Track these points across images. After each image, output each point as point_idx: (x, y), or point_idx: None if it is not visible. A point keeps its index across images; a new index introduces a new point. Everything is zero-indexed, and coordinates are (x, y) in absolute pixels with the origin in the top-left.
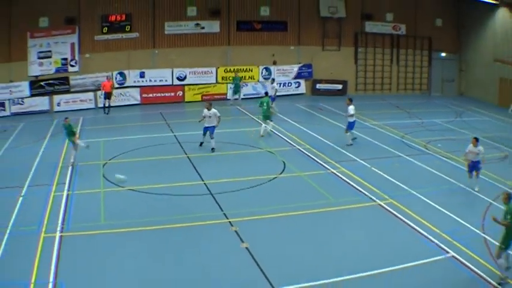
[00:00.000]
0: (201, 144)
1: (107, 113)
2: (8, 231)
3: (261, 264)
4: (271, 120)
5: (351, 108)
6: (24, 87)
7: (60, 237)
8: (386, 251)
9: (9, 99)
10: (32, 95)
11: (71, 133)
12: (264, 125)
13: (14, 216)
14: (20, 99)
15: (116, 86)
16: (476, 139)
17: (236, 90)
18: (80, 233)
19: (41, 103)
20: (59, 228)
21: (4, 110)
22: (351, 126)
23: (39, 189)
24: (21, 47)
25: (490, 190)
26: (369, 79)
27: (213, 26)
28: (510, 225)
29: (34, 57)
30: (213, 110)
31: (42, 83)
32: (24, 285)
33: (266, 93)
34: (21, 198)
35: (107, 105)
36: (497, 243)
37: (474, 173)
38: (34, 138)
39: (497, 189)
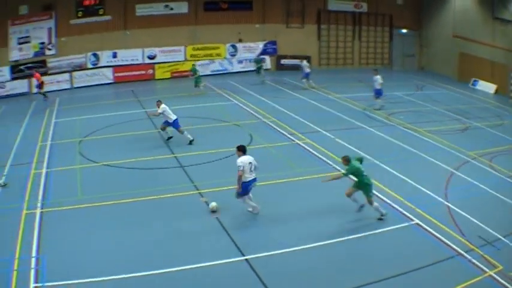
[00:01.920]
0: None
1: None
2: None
3: (231, 233)
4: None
5: (379, 78)
6: (5, 72)
7: (41, 213)
8: (350, 218)
9: None
10: (13, 79)
11: None
12: None
13: None
14: (1, 83)
15: (90, 66)
16: None
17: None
18: (59, 208)
19: (20, 86)
20: (39, 205)
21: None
22: (379, 93)
23: (20, 168)
24: (2, 35)
25: (452, 160)
26: (332, 54)
27: (181, 7)
28: (342, 177)
29: (15, 43)
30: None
31: (21, 67)
32: (9, 262)
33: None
34: (3, 177)
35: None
36: (460, 211)
37: None
38: (15, 119)
39: (458, 159)
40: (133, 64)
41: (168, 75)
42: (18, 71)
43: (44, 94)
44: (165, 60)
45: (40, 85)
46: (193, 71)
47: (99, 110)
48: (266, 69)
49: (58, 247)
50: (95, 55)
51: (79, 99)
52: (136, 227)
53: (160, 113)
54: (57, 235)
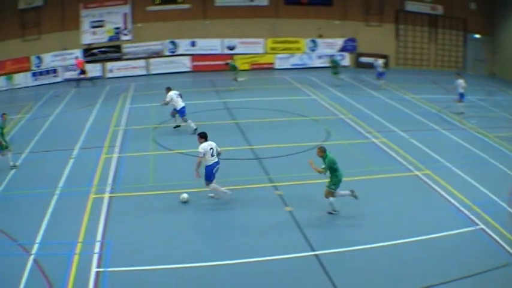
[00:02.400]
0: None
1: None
2: (58, 191)
3: (303, 227)
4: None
5: (462, 82)
6: (77, 55)
7: (110, 198)
8: (419, 219)
9: (62, 66)
10: (86, 62)
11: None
12: None
13: (64, 178)
14: (73, 66)
15: (168, 54)
16: None
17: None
18: (128, 194)
19: (94, 69)
20: (108, 189)
21: (57, 76)
22: (462, 96)
23: (90, 152)
24: (74, 18)
25: None
26: (409, 55)
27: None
28: (325, 172)
29: (87, 27)
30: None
31: (94, 51)
32: (71, 245)
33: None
34: (72, 160)
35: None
36: None
37: None
38: (87, 103)
39: None
40: (212, 54)
41: (247, 66)
42: (90, 54)
43: (79, 80)
44: (245, 52)
45: (82, 72)
46: (232, 67)
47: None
48: (344, 66)
49: (124, 233)
50: (173, 43)
51: (155, 86)
52: (207, 217)
53: (168, 101)
54: (124, 221)
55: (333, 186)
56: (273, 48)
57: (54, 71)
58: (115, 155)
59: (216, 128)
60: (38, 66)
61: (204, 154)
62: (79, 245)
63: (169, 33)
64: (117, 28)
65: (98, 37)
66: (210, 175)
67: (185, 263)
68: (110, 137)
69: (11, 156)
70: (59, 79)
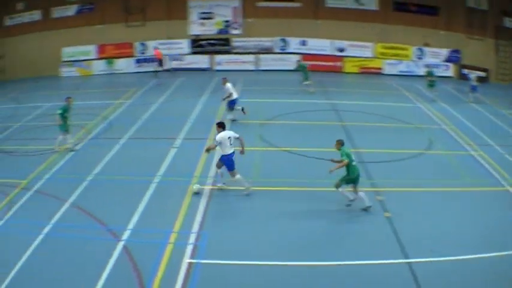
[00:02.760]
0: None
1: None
2: (157, 180)
3: (399, 234)
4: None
5: None
6: (184, 45)
7: (210, 190)
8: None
9: (167, 55)
10: (193, 53)
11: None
12: None
13: (165, 166)
14: (179, 56)
15: (277, 51)
16: None
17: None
18: (231, 188)
19: (201, 61)
20: (208, 181)
21: (161, 66)
22: None
23: (193, 143)
24: (182, 8)
25: None
26: (507, 70)
27: (371, 3)
28: (347, 164)
29: (195, 18)
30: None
31: (202, 42)
32: (165, 234)
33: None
34: (174, 150)
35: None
36: None
37: None
38: (193, 94)
39: None
40: (322, 54)
41: (356, 69)
42: (198, 45)
43: (158, 71)
44: (354, 55)
45: (160, 62)
46: (301, 67)
47: (283, 95)
48: (448, 77)
49: (220, 226)
50: (283, 40)
51: (264, 82)
52: (303, 217)
53: (231, 93)
54: (222, 214)
55: (343, 181)
56: (381, 53)
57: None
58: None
59: (321, 128)
60: (142, 53)
61: (220, 143)
62: (173, 235)
63: (279, 30)
64: (227, 21)
65: (206, 29)
66: (230, 164)
67: (280, 261)
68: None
69: (71, 139)
70: (163, 67)
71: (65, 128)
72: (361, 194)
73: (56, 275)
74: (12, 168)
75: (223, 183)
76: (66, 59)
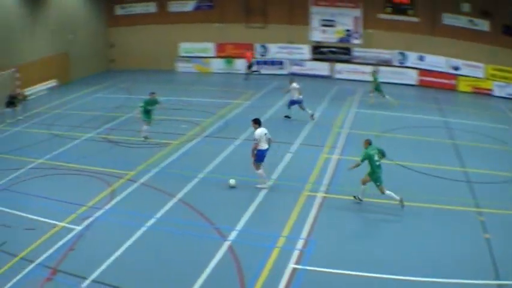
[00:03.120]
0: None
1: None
2: (270, 183)
3: (496, 255)
4: None
5: None
6: (305, 51)
7: (322, 197)
8: None
9: (288, 59)
10: (313, 59)
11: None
12: None
13: (279, 171)
14: (300, 61)
15: (396, 64)
16: None
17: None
18: (342, 197)
19: (321, 68)
20: (322, 189)
21: (282, 69)
22: None
23: (309, 149)
24: (304, 13)
25: None
26: None
27: (483, 25)
28: (360, 164)
29: (316, 24)
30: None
31: (323, 49)
32: (273, 237)
33: None
34: (290, 155)
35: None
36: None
37: None
38: (312, 101)
39: None
40: (437, 71)
41: (468, 89)
42: (319, 52)
43: (249, 74)
44: (467, 74)
45: (250, 65)
46: (375, 79)
47: (399, 108)
48: None
49: (329, 234)
50: (402, 54)
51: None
52: (409, 231)
53: (290, 90)
54: (331, 222)
55: (378, 182)
56: (492, 75)
57: (280, 62)
58: (335, 156)
59: (431, 144)
60: (263, 55)
61: (258, 140)
62: (281, 239)
63: (398, 43)
64: (348, 30)
65: (327, 36)
66: (260, 156)
67: (383, 274)
68: (332, 138)
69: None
70: (283, 71)
71: (147, 119)
72: (388, 192)
73: (155, 268)
74: (118, 158)
75: (267, 183)
76: (183, 55)
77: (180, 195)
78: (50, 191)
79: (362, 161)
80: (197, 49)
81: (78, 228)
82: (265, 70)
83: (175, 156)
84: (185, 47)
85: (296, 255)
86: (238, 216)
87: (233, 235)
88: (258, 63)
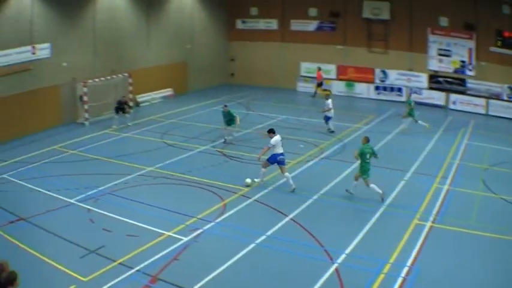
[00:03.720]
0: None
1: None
2: (382, 209)
3: None
4: None
5: None
6: (423, 79)
7: (430, 226)
8: None
9: (407, 87)
10: (430, 88)
11: (230, 120)
12: None
13: (391, 197)
14: (417, 89)
15: (506, 98)
16: None
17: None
18: (449, 228)
19: (437, 97)
20: (431, 218)
21: (400, 96)
22: None
23: (421, 178)
24: (422, 41)
25: None
26: None
27: None
28: (357, 158)
29: (433, 53)
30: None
31: (440, 79)
32: (381, 263)
33: None
34: (403, 182)
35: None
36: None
37: None
38: (426, 129)
39: None
40: None
41: None
42: (435, 81)
43: (317, 92)
44: None
45: (320, 84)
46: (409, 104)
47: (509, 143)
48: None
49: (433, 264)
50: (510, 88)
51: (492, 128)
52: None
53: (330, 108)
54: (436, 252)
55: (362, 174)
56: None
57: (399, 89)
58: (445, 187)
59: None
60: (383, 81)
61: (274, 146)
62: (387, 266)
63: (508, 77)
64: (463, 62)
65: (443, 66)
66: (273, 158)
67: None
68: (444, 168)
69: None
70: (401, 98)
71: (231, 124)
72: (373, 185)
73: (258, 285)
74: (233, 173)
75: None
76: (303, 74)
77: (292, 214)
78: (158, 199)
79: (359, 155)
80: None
81: (185, 239)
82: (384, 96)
83: (292, 175)
84: (306, 67)
85: (399, 282)
86: (347, 240)
87: (341, 258)
88: (378, 88)
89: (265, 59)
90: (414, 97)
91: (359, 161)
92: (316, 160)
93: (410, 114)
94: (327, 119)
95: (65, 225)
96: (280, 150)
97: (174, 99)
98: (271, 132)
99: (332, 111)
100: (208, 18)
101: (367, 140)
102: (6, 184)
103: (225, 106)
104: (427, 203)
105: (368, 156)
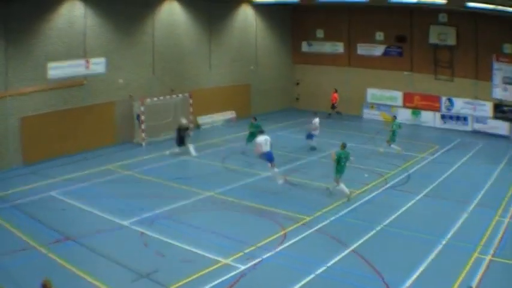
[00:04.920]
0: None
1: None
2: (444, 241)
3: None
4: None
5: None
6: (487, 108)
7: (490, 260)
8: None
9: (472, 115)
10: (494, 117)
11: (252, 134)
12: None
13: (453, 229)
14: (482, 118)
15: None
16: None
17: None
18: (508, 262)
19: (501, 127)
20: (491, 251)
21: (467, 125)
22: None
23: (483, 210)
24: (487, 69)
25: None
26: None
27: None
28: (334, 161)
29: (497, 81)
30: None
31: (504, 108)
32: None
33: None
34: (465, 214)
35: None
36: None
37: None
38: (490, 160)
39: None
40: None
41: None
42: (500, 110)
43: (335, 113)
44: None
45: (333, 106)
46: (397, 126)
47: None
48: None
49: None
50: None
51: None
52: None
53: (316, 127)
54: (495, 285)
55: (336, 174)
56: None
57: (465, 118)
58: (507, 220)
59: None
60: (449, 110)
61: (260, 144)
62: None
63: None
64: None
65: (508, 94)
66: (269, 156)
67: None
68: (506, 200)
69: None
70: (467, 128)
71: (249, 141)
72: (342, 185)
73: None
74: (296, 201)
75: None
76: (370, 101)
77: (354, 245)
78: (216, 225)
79: (336, 159)
80: (385, 97)
81: (242, 267)
82: (449, 125)
83: (355, 205)
84: (373, 93)
85: None
86: (408, 272)
87: None
88: (444, 117)
89: (331, 84)
90: (479, 126)
91: (334, 163)
92: (381, 190)
93: (392, 137)
94: (311, 136)
95: (116, 247)
96: (266, 148)
97: (236, 122)
98: (260, 133)
99: (317, 131)
100: (272, 38)
101: (344, 146)
102: (54, 202)
103: (254, 119)
104: (488, 236)
105: (344, 160)
